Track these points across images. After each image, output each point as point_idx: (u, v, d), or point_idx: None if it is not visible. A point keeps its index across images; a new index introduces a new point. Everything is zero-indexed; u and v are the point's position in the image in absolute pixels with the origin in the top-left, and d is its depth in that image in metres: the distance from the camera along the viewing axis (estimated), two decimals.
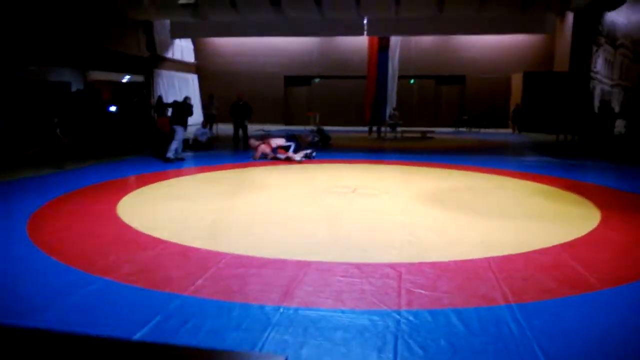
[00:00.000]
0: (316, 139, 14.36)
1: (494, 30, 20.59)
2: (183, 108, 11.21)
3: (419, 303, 3.28)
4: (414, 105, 24.08)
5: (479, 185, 7.98)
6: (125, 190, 7.27)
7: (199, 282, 3.67)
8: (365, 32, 19.62)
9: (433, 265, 4.02)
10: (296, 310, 3.18)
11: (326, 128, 15.62)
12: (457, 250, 4.42)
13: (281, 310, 3.17)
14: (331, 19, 18.52)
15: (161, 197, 6.97)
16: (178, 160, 10.62)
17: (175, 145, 10.70)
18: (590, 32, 19.70)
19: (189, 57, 23.92)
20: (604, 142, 14.84)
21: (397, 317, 3.07)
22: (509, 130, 21.47)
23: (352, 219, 5.66)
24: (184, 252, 4.37)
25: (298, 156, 10.88)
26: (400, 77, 22.15)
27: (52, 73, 15.08)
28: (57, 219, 5.54)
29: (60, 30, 14.43)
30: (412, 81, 24.07)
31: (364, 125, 20.35)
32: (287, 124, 23.77)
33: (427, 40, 23.66)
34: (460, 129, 22.56)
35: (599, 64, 19.09)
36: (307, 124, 20.65)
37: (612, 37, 17.94)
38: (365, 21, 19.08)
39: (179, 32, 20.86)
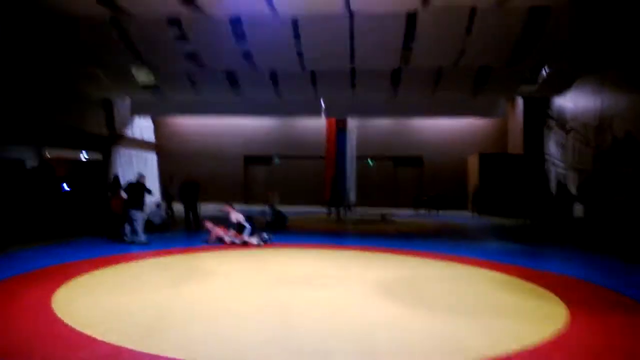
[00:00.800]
0: (269, 219, 14.14)
1: (448, 113, 21.48)
2: (137, 189, 10.79)
3: None
4: (372, 185, 24.34)
5: (438, 275, 7.73)
6: (67, 277, 6.71)
7: None
8: (323, 114, 20.06)
9: None
10: None
11: (286, 207, 15.45)
12: (418, 356, 4.06)
13: None
14: (289, 100, 18.91)
15: (103, 286, 6.43)
16: (140, 244, 10.17)
17: (128, 228, 10.34)
18: (540, 116, 20.84)
19: (149, 135, 23.71)
20: (563, 225, 15.13)
21: None
22: (468, 213, 21.77)
23: (301, 316, 5.22)
24: (116, 354, 3.88)
25: (255, 240, 10.51)
26: (358, 158, 22.53)
27: (4, 150, 14.50)
28: None
29: (16, 107, 14.09)
30: (370, 162, 24.49)
31: (324, 204, 20.28)
32: (247, 202, 23.45)
33: (384, 122, 24.43)
34: (420, 211, 22.76)
35: (552, 147, 19.97)
36: (267, 203, 20.41)
37: (562, 121, 18.93)
38: (322, 103, 19.56)
39: (139, 110, 20.77)
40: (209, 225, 10.96)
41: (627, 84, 13.99)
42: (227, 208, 11.24)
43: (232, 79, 16.91)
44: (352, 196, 21.04)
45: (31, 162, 15.34)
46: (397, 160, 25.13)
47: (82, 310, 5.15)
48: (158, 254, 9.25)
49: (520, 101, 21.88)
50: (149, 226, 12.32)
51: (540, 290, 6.62)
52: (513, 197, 19.16)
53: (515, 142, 22.75)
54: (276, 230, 13.16)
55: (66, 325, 4.59)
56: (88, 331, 4.42)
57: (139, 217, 10.46)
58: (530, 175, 20.44)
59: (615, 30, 12.27)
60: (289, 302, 5.76)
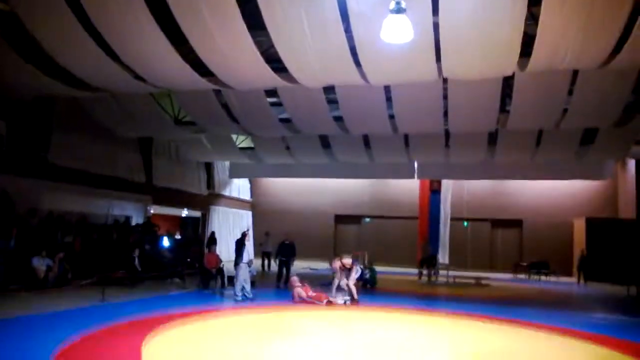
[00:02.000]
0: (367, 274, 14.16)
1: (549, 175, 20.28)
2: (240, 245, 11.29)
3: None
4: (468, 249, 23.34)
5: (538, 349, 7.15)
6: (159, 328, 7.08)
7: None
8: (415, 176, 19.92)
9: None
10: None
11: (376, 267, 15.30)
12: None
13: None
14: (382, 162, 19.03)
15: (191, 338, 6.71)
16: (246, 299, 10.57)
17: (238, 285, 10.66)
18: None
19: (245, 194, 25.02)
20: None
21: None
22: (573, 280, 20.04)
23: None
24: None
25: (340, 299, 10.48)
26: (452, 219, 21.86)
27: (116, 207, 16.04)
28: (83, 356, 5.38)
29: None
30: (465, 223, 23.65)
31: (414, 266, 19.75)
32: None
33: (481, 183, 23.64)
34: (519, 276, 21.34)
35: None
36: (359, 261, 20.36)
37: None
38: (415, 165, 19.47)
39: (237, 171, 22.07)
40: (293, 283, 11.09)
41: None
42: (295, 284, 11.05)
43: (325, 143, 17.49)
44: (446, 259, 20.28)
45: (137, 218, 16.73)
46: (495, 222, 24.06)
47: None
48: (249, 309, 9.50)
49: (631, 162, 20.24)
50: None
51: None
52: (624, 264, 17.39)
53: (627, 206, 20.90)
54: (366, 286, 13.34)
55: None
56: None
57: (239, 271, 10.75)
58: None
59: None
60: None
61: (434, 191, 21.54)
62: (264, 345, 6.58)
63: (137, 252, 12.94)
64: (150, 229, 15.94)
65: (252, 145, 18.39)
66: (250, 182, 25.74)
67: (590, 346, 7.20)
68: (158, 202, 17.72)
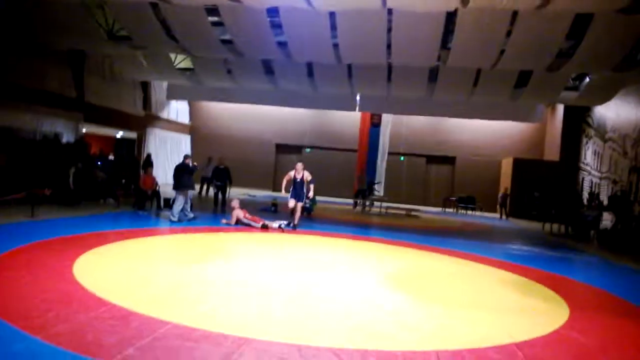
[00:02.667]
0: (307, 203, 14.48)
1: (484, 115, 21.10)
2: (182, 170, 11.01)
3: None
4: (403, 182, 24.28)
5: (451, 271, 7.82)
6: (91, 245, 7.08)
7: (130, 350, 3.46)
8: (357, 108, 20.13)
9: (378, 354, 3.81)
10: None
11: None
12: (408, 339, 4.22)
13: None
14: (324, 93, 19.03)
15: (124, 256, 6.78)
16: (188, 220, 10.71)
17: (176, 208, 10.62)
18: (579, 124, 20.31)
19: (184, 118, 24.38)
20: (590, 234, 14.86)
21: None
22: (497, 215, 21.52)
23: (310, 297, 5.45)
24: (126, 317, 4.16)
25: (275, 224, 10.79)
26: (390, 154, 22.52)
27: (45, 123, 15.25)
28: (11, 269, 5.34)
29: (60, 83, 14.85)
30: (402, 158, 24.44)
31: (351, 197, 20.43)
32: (275, 190, 23.82)
33: (419, 119, 24.28)
34: (448, 210, 22.62)
35: (589, 156, 19.49)
36: None
37: (601, 131, 18.46)
38: (357, 97, 19.62)
39: (175, 94, 21.35)
40: (234, 204, 11.24)
41: None
42: (234, 205, 11.20)
43: (268, 69, 17.18)
44: (381, 191, 21.07)
45: (68, 136, 16.03)
46: (430, 158, 24.99)
47: (100, 276, 5.46)
48: (183, 230, 9.64)
49: (560, 108, 21.35)
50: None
51: (548, 292, 6.63)
52: (545, 203, 18.82)
53: (552, 149, 22.27)
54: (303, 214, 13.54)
55: (83, 289, 4.90)
56: (103, 295, 4.70)
57: (179, 198, 10.68)
58: (563, 182, 20.01)
59: None
60: (300, 285, 5.96)
61: (374, 125, 21.94)
62: (197, 263, 6.77)
63: (72, 170, 12.56)
64: (82, 148, 15.37)
65: (192, 66, 17.75)
66: (190, 105, 25.03)
67: (498, 271, 7.92)
68: (90, 120, 16.97)
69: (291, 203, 11.04)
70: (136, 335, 3.74)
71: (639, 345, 4.64)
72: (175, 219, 10.58)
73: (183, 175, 10.89)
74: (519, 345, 4.29)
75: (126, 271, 5.88)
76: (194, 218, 10.90)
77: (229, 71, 17.49)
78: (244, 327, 4.13)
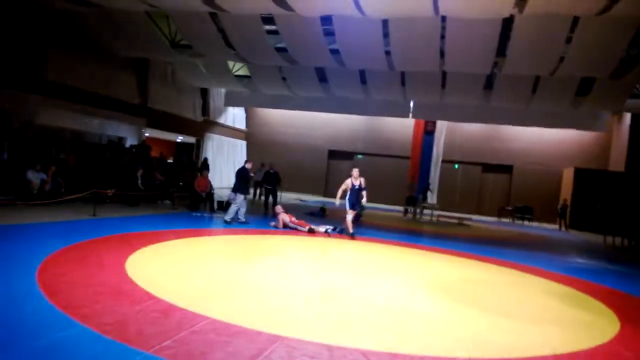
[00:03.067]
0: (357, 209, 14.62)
1: (543, 123, 20.40)
2: (242, 176, 11.54)
3: None
4: (456, 190, 23.81)
5: (498, 280, 7.64)
6: (144, 244, 7.48)
7: (167, 342, 3.66)
8: (410, 115, 19.98)
9: (406, 357, 3.82)
10: None
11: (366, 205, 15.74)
12: (441, 344, 4.20)
13: None
14: (377, 99, 19.04)
15: (174, 254, 7.11)
16: (240, 223, 11.11)
17: (233, 209, 11.14)
18: None
19: (240, 124, 25.10)
20: None
21: None
22: (556, 227, 20.65)
23: (345, 299, 5.51)
24: (168, 310, 4.40)
25: (322, 228, 10.92)
26: (444, 162, 22.16)
27: (110, 127, 16.21)
28: (68, 262, 5.76)
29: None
30: (456, 166, 23.97)
31: (402, 204, 20.25)
32: (326, 196, 23.99)
33: (474, 127, 23.77)
34: (503, 220, 21.94)
35: None
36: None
37: None
38: (411, 104, 19.49)
39: (232, 100, 22.06)
40: (278, 210, 11.50)
41: None
42: (279, 210, 11.44)
43: (321, 76, 17.43)
44: (434, 199, 20.76)
45: (132, 140, 16.93)
46: (486, 166, 24.36)
47: (150, 272, 5.77)
48: (231, 232, 9.96)
49: (627, 116, 20.27)
50: (229, 208, 13.18)
51: (599, 305, 6.36)
52: (608, 215, 17.89)
53: (618, 159, 21.13)
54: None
55: (132, 283, 5.20)
56: (150, 289, 4.98)
57: (238, 199, 11.17)
58: (629, 194, 18.93)
59: None
60: (340, 287, 6.04)
61: (428, 132, 21.67)
62: (242, 263, 6.99)
63: (140, 172, 13.29)
64: (144, 152, 16.19)
65: (249, 74, 18.29)
66: (246, 111, 25.75)
67: (550, 283, 7.64)
68: (153, 125, 17.86)
69: (350, 215, 10.63)
70: (175, 328, 3.95)
71: None
72: (228, 220, 10.93)
73: (242, 179, 11.37)
74: (559, 358, 4.16)
75: (174, 268, 6.17)
76: (245, 222, 11.19)
77: (283, 78, 17.90)
78: (278, 326, 4.25)
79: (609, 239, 15.52)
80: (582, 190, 20.25)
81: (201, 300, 4.83)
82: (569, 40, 12.30)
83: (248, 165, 11.68)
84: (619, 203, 18.61)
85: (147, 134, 18.44)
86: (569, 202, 20.22)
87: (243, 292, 5.34)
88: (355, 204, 10.70)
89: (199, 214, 12.40)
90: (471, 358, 3.95)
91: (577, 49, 12.44)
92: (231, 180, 13.66)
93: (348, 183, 10.67)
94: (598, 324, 5.41)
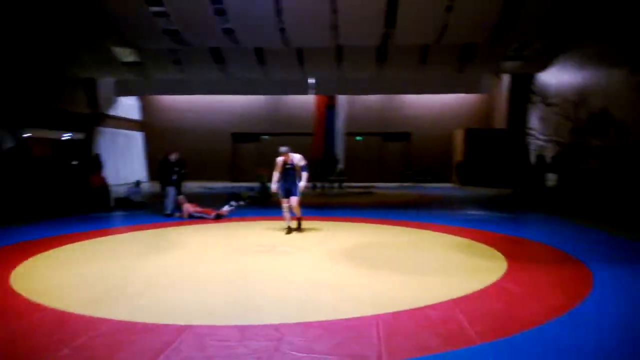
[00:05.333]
0: (255, 194, 14.60)
1: (434, 90, 21.55)
2: (164, 167, 11.36)
3: None
4: (360, 161, 24.51)
5: (400, 240, 8.00)
6: (32, 252, 6.90)
7: (65, 351, 3.43)
8: (311, 91, 20.14)
9: (319, 324, 3.91)
10: None
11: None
12: (350, 307, 4.34)
13: None
14: (277, 78, 18.97)
15: (68, 259, 6.63)
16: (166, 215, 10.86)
17: (168, 202, 11.00)
18: (524, 91, 20.92)
19: (134, 114, 23.79)
20: (538, 194, 15.43)
21: None
22: (452, 185, 22.03)
23: (257, 279, 5.51)
24: (62, 319, 4.11)
25: (226, 208, 10.85)
26: (346, 134, 22.66)
27: None
28: None
29: None
30: (358, 138, 24.63)
31: (313, 180, 20.50)
32: (233, 180, 23.63)
33: (372, 98, 24.46)
34: (405, 184, 23.01)
35: (534, 122, 20.11)
36: (255, 180, 20.64)
37: (544, 97, 19.05)
38: (311, 81, 19.63)
39: (124, 90, 20.83)
40: (181, 200, 11.18)
41: (607, 60, 14.08)
42: (183, 200, 11.15)
43: (217, 58, 16.96)
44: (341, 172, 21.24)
45: (8, 142, 15.40)
46: (386, 135, 25.26)
47: (38, 282, 5.34)
48: (132, 229, 9.48)
49: (506, 78, 21.93)
50: (128, 203, 12.54)
51: (491, 250, 6.93)
52: (496, 169, 19.41)
53: (501, 117, 22.85)
54: (261, 204, 13.67)
55: (18, 296, 4.79)
56: (39, 300, 4.61)
57: (169, 191, 11.06)
58: (512, 148, 20.64)
59: (596, 5, 12.33)
60: (248, 268, 6.01)
61: (329, 107, 21.99)
62: (143, 258, 6.70)
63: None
64: (24, 153, 14.79)
65: (139, 60, 17.31)
66: (140, 100, 24.45)
67: (449, 236, 8.17)
68: (30, 123, 16.32)
69: (285, 203, 8.74)
70: (72, 336, 3.71)
71: (566, 288, 4.93)
72: (168, 212, 10.90)
73: (165, 170, 11.25)
74: (456, 301, 4.49)
75: (66, 274, 5.75)
76: (171, 215, 10.93)
77: (177, 62, 17.18)
78: (185, 316, 4.14)
79: (498, 191, 16.86)
80: (473, 149, 21.70)
81: (98, 303, 4.57)
82: (450, 9, 13.05)
83: (171, 157, 11.32)
84: (504, 157, 20.25)
85: (27, 135, 16.88)
86: (462, 161, 21.62)
87: (143, 289, 5.12)
88: (291, 188, 8.65)
89: (96, 215, 11.66)
90: (379, 314, 4.12)
91: (457, 16, 13.22)
92: (129, 175, 13.09)
93: (279, 162, 8.77)
94: (490, 267, 5.88)
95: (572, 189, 13.53)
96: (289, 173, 8.70)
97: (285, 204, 8.74)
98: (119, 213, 11.63)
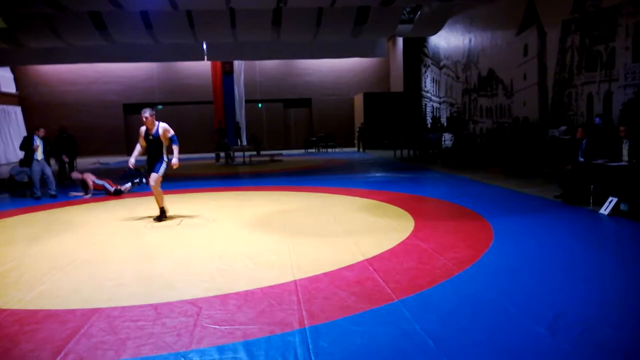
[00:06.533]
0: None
1: (332, 54, 21.64)
2: (28, 142, 10.02)
3: (210, 340, 3.06)
4: (263, 129, 24.31)
5: (310, 205, 8.10)
6: None
7: None
8: (205, 57, 19.36)
9: (238, 295, 3.85)
10: None
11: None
12: (268, 275, 4.33)
13: None
14: (168, 44, 17.96)
15: None
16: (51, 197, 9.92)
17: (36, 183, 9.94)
18: (417, 55, 21.77)
19: (9, 87, 21.46)
20: (434, 155, 16.34)
21: (181, 359, 2.82)
22: (355, 149, 22.64)
23: (167, 254, 5.29)
24: None
25: (127, 185, 10.25)
26: (247, 102, 22.24)
27: None
28: None
29: None
30: (259, 105, 24.32)
31: (213, 151, 19.99)
32: (129, 154, 22.38)
33: (272, 65, 24.17)
34: (310, 150, 23.25)
35: (428, 84, 21.06)
36: None
37: (436, 59, 19.96)
38: (204, 46, 18.84)
39: None
40: (74, 175, 10.39)
41: (492, 23, 14.99)
42: (78, 176, 10.46)
43: (98, 23, 15.60)
44: (243, 140, 20.90)
45: None
46: (287, 102, 25.18)
47: None
48: (21, 211, 8.66)
49: (400, 41, 22.63)
50: (12, 184, 11.45)
51: (398, 210, 7.25)
52: (395, 132, 20.19)
53: (397, 81, 23.70)
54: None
55: None
56: None
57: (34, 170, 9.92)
58: (408, 110, 21.57)
59: None
60: (156, 244, 5.76)
61: (226, 73, 21.32)
62: (35, 243, 6.16)
63: None
64: None
65: (6, 26, 15.44)
66: (14, 72, 22.03)
67: (356, 199, 8.41)
68: None
69: (152, 181, 7.10)
70: None
71: (468, 241, 5.29)
72: (37, 194, 9.88)
73: (28, 148, 10.01)
74: (369, 261, 4.65)
75: None
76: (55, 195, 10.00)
77: (53, 29, 15.56)
78: (92, 300, 3.88)
79: (398, 153, 17.62)
80: (372, 112, 22.38)
81: None
82: None
83: (40, 133, 10.07)
84: (402, 119, 21.12)
85: None
86: (364, 126, 22.24)
87: (46, 274, 4.70)
88: (153, 164, 7.13)
89: None
90: (295, 280, 4.15)
91: None
92: (9, 155, 11.88)
93: (141, 132, 7.22)
94: (399, 226, 6.16)
95: (466, 147, 14.49)
96: (152, 146, 7.10)
97: (152, 182, 7.10)
98: (3, 195, 10.56)
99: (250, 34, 17.28)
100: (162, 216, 7.17)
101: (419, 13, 17.41)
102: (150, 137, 7.05)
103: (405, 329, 3.13)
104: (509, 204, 7.59)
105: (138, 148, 7.32)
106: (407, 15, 17.75)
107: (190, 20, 15.92)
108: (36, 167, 9.91)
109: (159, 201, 7.20)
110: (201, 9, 14.94)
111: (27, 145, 9.96)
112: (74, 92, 23.07)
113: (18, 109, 21.68)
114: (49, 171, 10.08)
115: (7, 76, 21.42)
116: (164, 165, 7.10)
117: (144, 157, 7.39)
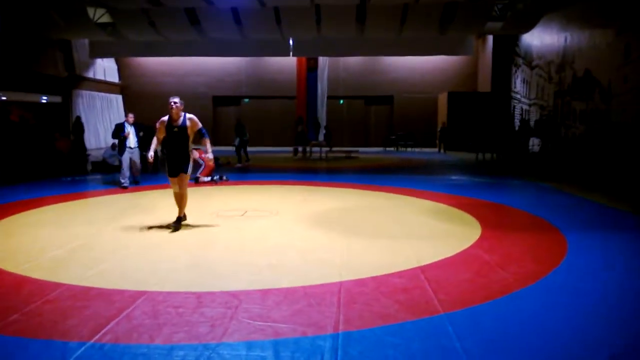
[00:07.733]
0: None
1: (416, 51, 21.11)
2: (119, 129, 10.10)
3: (241, 335, 3.05)
4: (343, 125, 24.28)
5: (376, 205, 7.92)
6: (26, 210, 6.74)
7: (15, 316, 3.32)
8: (291, 53, 19.67)
9: (279, 291, 3.82)
10: (102, 346, 2.87)
11: (256, 148, 15.52)
12: (315, 273, 4.26)
13: (86, 346, 2.86)
14: (256, 40, 18.47)
15: (31, 224, 6.44)
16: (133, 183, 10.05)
17: (125, 170, 9.77)
18: (508, 53, 20.65)
19: (112, 77, 23.16)
20: (520, 159, 15.42)
21: (209, 352, 2.83)
22: (436, 150, 21.97)
23: (223, 244, 5.39)
24: (18, 284, 3.99)
25: (207, 179, 10.61)
26: (329, 98, 22.33)
27: None
28: None
29: None
30: (341, 101, 24.33)
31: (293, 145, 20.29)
32: (215, 144, 23.30)
33: (355, 61, 24.04)
34: (388, 149, 22.90)
35: (518, 84, 19.93)
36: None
37: (528, 58, 18.82)
38: (290, 42, 19.14)
39: (98, 51, 20.15)
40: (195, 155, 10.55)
41: (590, 21, 13.84)
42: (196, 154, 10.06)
43: (192, 19, 16.40)
44: (322, 136, 21.01)
45: None
46: (368, 99, 24.96)
47: (1, 247, 5.21)
48: (104, 193, 9.30)
49: (490, 39, 21.59)
50: (105, 167, 12.32)
51: (466, 216, 6.86)
52: (479, 134, 19.32)
53: (485, 80, 22.64)
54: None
55: None
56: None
57: (123, 159, 9.88)
58: (496, 112, 20.53)
59: None
60: (216, 233, 5.90)
61: (311, 69, 21.53)
62: (112, 222, 6.54)
63: None
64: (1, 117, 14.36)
65: (112, 21, 16.67)
66: (117, 62, 23.75)
67: (426, 202, 8.10)
68: (5, 87, 15.80)
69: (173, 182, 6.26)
70: (25, 301, 3.60)
71: (537, 257, 4.84)
72: (123, 182, 9.75)
73: (117, 136, 10.02)
74: (423, 268, 4.41)
75: (30, 239, 5.61)
76: (128, 184, 9.98)
77: (151, 23, 16.58)
78: (144, 282, 4.03)
79: (480, 156, 16.83)
80: (456, 113, 21.56)
81: (55, 269, 4.43)
82: None
83: (130, 119, 10.02)
84: (488, 121, 20.15)
85: (3, 97, 16.36)
86: (446, 126, 21.51)
87: (110, 254, 4.99)
88: (178, 162, 6.13)
89: (69, 178, 11.40)
90: (342, 281, 4.04)
91: None
92: (109, 139, 12.74)
93: (164, 122, 6.19)
94: (463, 233, 5.82)
95: (556, 154, 13.51)
96: (176, 139, 6.11)
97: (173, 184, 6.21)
98: (94, 177, 11.39)
99: (334, 30, 17.33)
100: (179, 223, 6.20)
101: (511, 10, 16.49)
102: (175, 129, 6.08)
103: (445, 346, 2.91)
104: (592, 218, 6.94)
105: (155, 141, 6.31)
106: (498, 12, 16.84)
107: (277, 17, 16.27)
108: (126, 156, 9.79)
109: (184, 205, 6.28)
110: (286, 5, 15.19)
111: (118, 133, 10.12)
112: (169, 83, 24.39)
113: (119, 97, 23.36)
114: (137, 159, 10.09)
115: (112, 67, 23.14)
116: (191, 165, 6.25)
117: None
